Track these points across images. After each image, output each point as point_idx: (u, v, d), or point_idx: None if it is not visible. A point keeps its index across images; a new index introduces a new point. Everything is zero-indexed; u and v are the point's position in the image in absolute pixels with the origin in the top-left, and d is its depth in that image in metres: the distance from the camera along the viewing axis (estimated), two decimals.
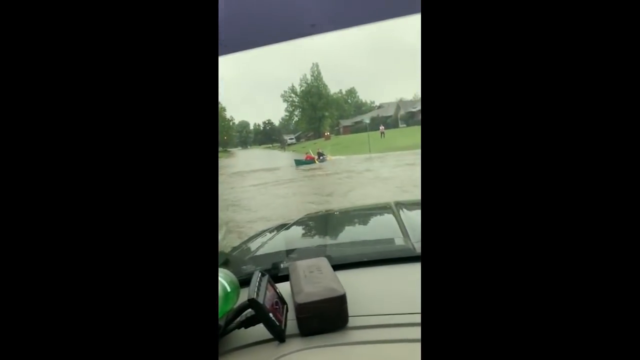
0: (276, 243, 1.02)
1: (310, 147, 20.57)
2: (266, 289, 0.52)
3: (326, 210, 1.47)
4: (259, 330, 0.49)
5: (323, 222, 1.24)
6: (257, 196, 7.44)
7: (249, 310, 0.49)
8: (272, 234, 1.11)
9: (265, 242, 1.00)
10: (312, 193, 7.52)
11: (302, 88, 43.49)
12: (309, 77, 43.32)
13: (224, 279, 0.52)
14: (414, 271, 0.62)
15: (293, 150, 25.03)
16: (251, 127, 66.42)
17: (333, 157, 15.32)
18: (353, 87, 54.34)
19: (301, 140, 42.42)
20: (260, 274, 0.54)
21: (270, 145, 45.15)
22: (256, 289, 0.49)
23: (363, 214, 1.30)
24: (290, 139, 42.88)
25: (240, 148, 56.57)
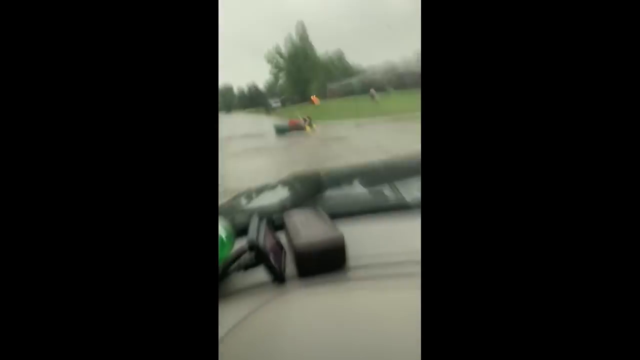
0: (265, 199, 0.99)
1: (297, 112, 19.79)
2: (265, 232, 0.52)
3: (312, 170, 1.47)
4: (259, 274, 0.49)
5: (310, 180, 1.22)
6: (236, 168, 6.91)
7: (248, 253, 0.49)
8: (259, 192, 1.08)
9: (253, 199, 0.98)
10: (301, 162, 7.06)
11: (287, 49, 41.55)
12: (294, 36, 41.27)
13: (221, 227, 0.53)
14: (407, 219, 0.61)
15: (278, 115, 24.20)
16: (235, 91, 64.23)
17: (316, 127, 12.79)
18: (339, 49, 52.32)
19: (286, 104, 41.15)
20: (258, 219, 0.55)
21: (255, 110, 43.70)
22: (256, 232, 0.50)
23: (350, 172, 1.28)
24: (275, 102, 41.51)
25: (224, 112, 54.74)
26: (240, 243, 0.50)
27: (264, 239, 0.50)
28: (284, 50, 41.88)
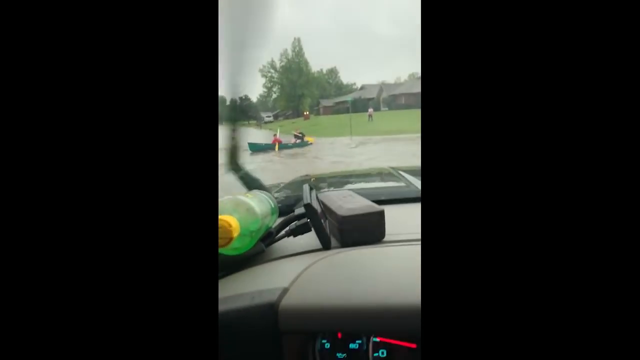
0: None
1: (288, 127, 19.22)
2: (317, 200, 0.57)
3: (317, 175, 1.47)
4: (305, 241, 0.54)
5: (319, 183, 1.25)
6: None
7: (297, 221, 0.54)
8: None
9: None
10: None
11: (282, 63, 41.47)
12: (289, 52, 41.29)
13: (267, 195, 0.58)
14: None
15: (270, 129, 23.62)
16: (227, 103, 63.79)
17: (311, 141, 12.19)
18: (335, 67, 52.71)
19: (279, 118, 40.73)
20: (309, 187, 0.58)
21: (247, 123, 43.14)
22: (309, 197, 0.53)
23: (359, 176, 1.37)
24: (267, 116, 41.06)
25: None
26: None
27: (316, 204, 0.54)
28: (278, 64, 41.81)
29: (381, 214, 0.53)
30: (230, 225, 0.41)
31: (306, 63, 41.42)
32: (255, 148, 10.49)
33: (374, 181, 1.24)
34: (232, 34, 0.61)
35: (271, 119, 40.12)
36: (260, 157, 8.73)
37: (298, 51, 41.15)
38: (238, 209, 0.46)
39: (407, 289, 0.36)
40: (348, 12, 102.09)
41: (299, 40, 41.50)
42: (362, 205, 0.55)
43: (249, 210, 0.47)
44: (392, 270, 0.42)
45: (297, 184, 1.21)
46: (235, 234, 0.42)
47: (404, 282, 0.38)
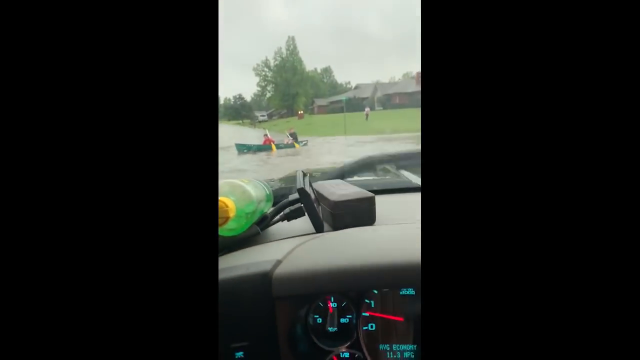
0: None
1: (282, 126, 19.05)
2: (310, 186, 0.59)
3: (312, 170, 1.38)
4: (298, 225, 0.57)
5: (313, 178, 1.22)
6: None
7: (291, 206, 0.56)
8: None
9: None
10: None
11: (277, 62, 41.25)
12: (284, 50, 41.08)
13: (263, 184, 0.59)
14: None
15: (264, 128, 23.47)
16: (221, 101, 63.51)
17: (301, 143, 11.57)
18: (329, 66, 52.62)
19: (273, 117, 40.53)
20: (302, 173, 0.61)
21: (241, 122, 42.95)
22: (302, 182, 0.56)
23: (352, 170, 1.39)
24: (262, 115, 40.83)
25: None
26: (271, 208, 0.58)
27: (309, 189, 0.56)
28: (272, 63, 41.59)
29: (372, 200, 0.56)
30: (226, 206, 0.44)
31: (300, 62, 41.26)
32: (244, 149, 10.14)
33: (367, 176, 1.28)
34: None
35: (265, 118, 39.89)
36: (254, 158, 8.58)
37: (292, 50, 40.98)
38: (234, 191, 0.47)
39: (397, 253, 0.38)
40: (341, 11, 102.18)
41: (293, 38, 41.40)
42: (354, 191, 0.58)
43: (245, 192, 0.48)
44: (382, 243, 0.44)
45: (291, 179, 1.25)
46: (231, 214, 0.44)
47: (395, 252, 0.39)
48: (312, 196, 0.57)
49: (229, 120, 49.97)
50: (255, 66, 42.65)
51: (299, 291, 0.39)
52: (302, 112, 35.01)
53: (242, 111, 47.22)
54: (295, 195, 0.56)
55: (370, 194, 0.57)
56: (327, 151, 9.70)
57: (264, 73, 42.35)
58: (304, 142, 11.60)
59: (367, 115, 21.86)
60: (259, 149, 10.48)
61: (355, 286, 0.38)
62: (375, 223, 0.57)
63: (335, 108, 31.33)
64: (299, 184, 0.55)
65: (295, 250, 0.45)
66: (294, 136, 11.63)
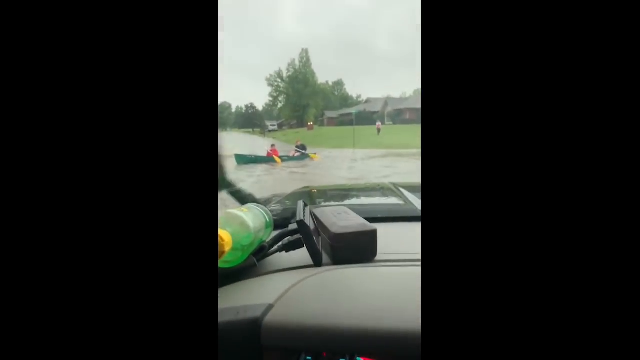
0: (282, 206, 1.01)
1: (292, 136, 19.14)
2: (310, 217, 0.56)
3: (315, 187, 1.47)
4: (297, 256, 0.54)
5: (319, 196, 1.27)
6: None
7: (290, 237, 0.54)
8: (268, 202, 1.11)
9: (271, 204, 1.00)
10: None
11: (289, 73, 41.80)
12: (297, 62, 41.65)
13: (262, 210, 0.57)
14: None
15: (273, 137, 23.64)
16: (233, 110, 64.39)
17: (316, 155, 10.75)
18: (341, 79, 53.12)
19: (283, 128, 40.87)
20: (303, 204, 0.59)
21: (251, 130, 43.38)
22: (302, 214, 0.53)
23: (359, 190, 1.38)
24: (272, 125, 41.22)
25: (220, 129, 54.75)
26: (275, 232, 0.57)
27: (309, 221, 0.54)
28: (285, 74, 42.14)
29: (373, 233, 0.53)
30: (222, 240, 0.42)
31: (313, 74, 41.75)
32: (244, 160, 9.27)
33: (373, 196, 1.24)
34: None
35: (275, 127, 40.27)
36: (259, 170, 8.15)
37: (305, 62, 41.54)
38: (231, 222, 0.47)
39: (395, 312, 0.36)
40: (351, 28, 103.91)
41: (306, 51, 41.97)
42: (355, 223, 0.55)
43: (242, 224, 0.47)
44: (381, 292, 0.42)
45: (296, 196, 1.20)
46: (227, 248, 0.43)
47: (393, 305, 0.38)
48: (312, 227, 0.55)
49: (240, 128, 50.61)
50: (268, 77, 43.29)
51: (288, 344, 0.37)
52: (312, 123, 35.23)
53: (253, 120, 47.78)
54: (295, 225, 0.53)
55: (372, 227, 0.53)
56: (336, 165, 9.55)
57: (276, 83, 42.92)
58: (312, 155, 10.92)
59: (379, 129, 21.87)
60: (261, 161, 9.59)
61: (349, 349, 0.36)
62: (378, 254, 0.54)
63: (345, 121, 31.48)
64: (299, 216, 0.52)
65: (289, 292, 0.42)
66: (301, 148, 11.01)
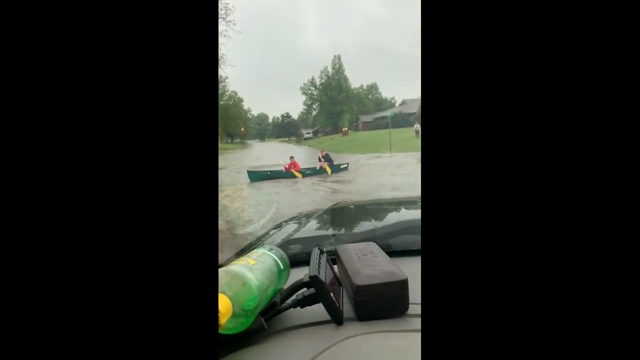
0: (308, 230, 0.96)
1: (326, 143, 18.97)
2: (326, 267, 0.49)
3: (352, 202, 1.42)
4: (314, 311, 0.46)
5: (353, 213, 1.20)
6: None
7: (305, 288, 0.46)
8: (299, 222, 1.07)
9: (297, 229, 0.96)
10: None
11: (322, 81, 41.98)
12: (329, 69, 41.76)
13: (276, 255, 0.51)
14: None
15: (309, 145, 23.68)
16: (269, 120, 65.90)
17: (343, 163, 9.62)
18: (375, 82, 52.48)
19: (318, 135, 41.01)
20: (319, 251, 0.51)
21: (287, 139, 43.99)
22: (317, 266, 0.46)
23: (394, 205, 1.29)
24: (307, 133, 41.49)
25: (258, 140, 56.35)
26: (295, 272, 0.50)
27: (325, 274, 0.46)
28: (318, 82, 42.39)
29: (404, 284, 0.45)
30: (220, 311, 0.36)
31: (346, 79, 41.60)
32: (256, 177, 8.73)
33: (414, 209, 1.11)
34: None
35: (310, 135, 40.48)
36: (279, 187, 7.38)
37: (338, 68, 41.51)
38: (233, 284, 0.40)
39: None
40: (373, 34, 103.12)
41: (339, 57, 41.96)
42: (382, 271, 0.46)
43: (246, 285, 0.41)
44: None
45: (334, 212, 1.14)
46: (224, 320, 0.37)
47: None
48: (331, 277, 0.47)
49: (277, 137, 51.59)
50: (302, 85, 43.76)
51: None
52: (346, 128, 34.99)
53: (289, 129, 48.51)
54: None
55: (403, 276, 0.44)
56: (369, 174, 8.86)
57: (310, 91, 43.26)
58: (343, 166, 9.75)
59: (416, 132, 21.10)
60: (277, 176, 8.81)
61: None
62: (411, 304, 0.45)
63: (380, 124, 30.88)
64: (312, 269, 0.45)
65: None
66: (327, 158, 9.70)
